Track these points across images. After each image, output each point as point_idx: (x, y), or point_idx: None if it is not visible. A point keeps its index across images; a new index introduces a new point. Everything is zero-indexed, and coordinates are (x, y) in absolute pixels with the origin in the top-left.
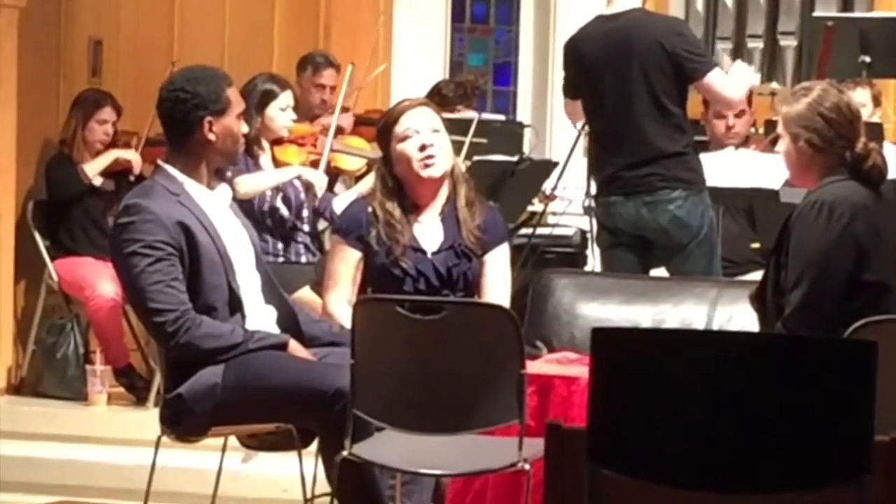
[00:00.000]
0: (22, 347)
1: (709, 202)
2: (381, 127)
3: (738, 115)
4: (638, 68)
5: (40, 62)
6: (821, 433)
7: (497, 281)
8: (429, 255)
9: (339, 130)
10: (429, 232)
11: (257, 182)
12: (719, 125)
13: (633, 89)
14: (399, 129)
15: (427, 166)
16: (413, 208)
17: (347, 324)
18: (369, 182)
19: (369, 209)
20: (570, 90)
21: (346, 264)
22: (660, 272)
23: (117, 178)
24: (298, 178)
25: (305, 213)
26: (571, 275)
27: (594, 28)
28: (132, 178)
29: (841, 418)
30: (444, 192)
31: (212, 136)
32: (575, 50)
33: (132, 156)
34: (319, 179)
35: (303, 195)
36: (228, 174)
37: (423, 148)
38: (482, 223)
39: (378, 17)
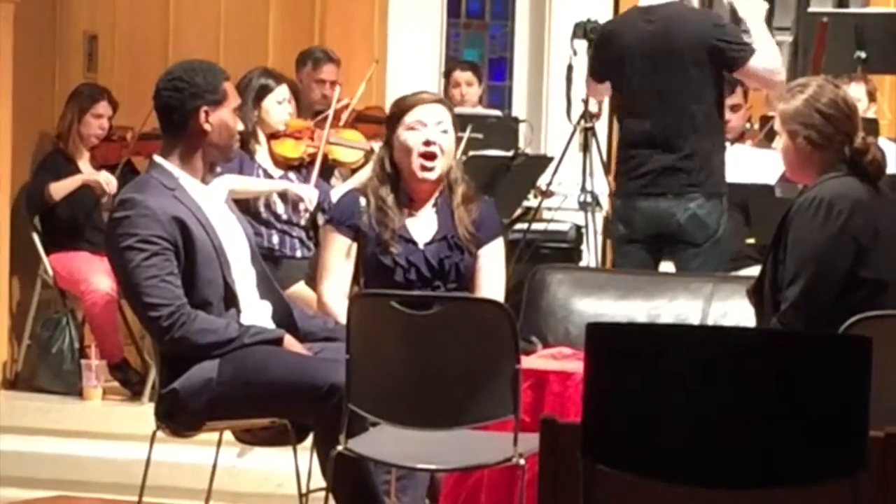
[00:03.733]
0: (17, 342)
1: (726, 206)
2: (393, 111)
3: (734, 109)
4: (677, 63)
5: (35, 57)
6: (816, 428)
7: (491, 276)
8: (420, 245)
9: (336, 123)
10: (421, 223)
11: (240, 184)
12: None
13: (670, 84)
14: (409, 118)
15: (425, 168)
16: (407, 198)
17: (342, 314)
18: (366, 173)
19: (361, 198)
20: (598, 73)
21: (339, 253)
22: (666, 265)
23: (111, 171)
24: (285, 192)
25: (302, 207)
26: (566, 270)
27: (632, 21)
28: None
29: (836, 414)
30: (438, 185)
31: (207, 127)
32: (611, 40)
33: (103, 177)
34: (309, 193)
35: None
36: (218, 170)
37: (427, 143)
38: (477, 218)
39: (373, 13)
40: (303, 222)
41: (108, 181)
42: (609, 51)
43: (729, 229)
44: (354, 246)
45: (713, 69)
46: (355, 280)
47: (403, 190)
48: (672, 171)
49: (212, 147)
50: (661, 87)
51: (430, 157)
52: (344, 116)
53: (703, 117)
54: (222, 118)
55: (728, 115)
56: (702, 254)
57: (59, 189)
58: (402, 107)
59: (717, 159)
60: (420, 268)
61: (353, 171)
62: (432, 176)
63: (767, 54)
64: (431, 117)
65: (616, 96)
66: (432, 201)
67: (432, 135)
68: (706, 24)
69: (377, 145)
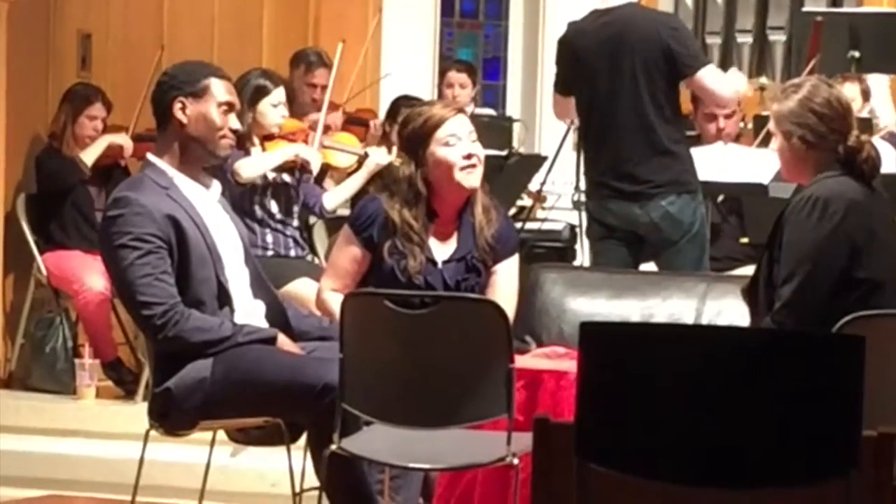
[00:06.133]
0: (11, 341)
1: (701, 199)
2: (417, 129)
3: (728, 116)
4: (632, 63)
5: (29, 56)
6: (809, 428)
7: (505, 291)
8: (439, 264)
9: (328, 128)
10: (442, 239)
11: (258, 164)
12: (710, 128)
13: (627, 85)
14: (442, 133)
15: (470, 175)
16: (432, 215)
17: (338, 309)
18: (360, 179)
19: (385, 207)
20: (561, 86)
21: (350, 258)
22: (649, 267)
23: (107, 171)
24: (296, 156)
25: (295, 207)
26: (560, 269)
27: (589, 23)
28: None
29: (829, 413)
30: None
31: (182, 118)
32: (569, 45)
33: (124, 140)
34: (315, 158)
35: (293, 190)
36: (229, 162)
37: (469, 157)
38: (496, 232)
39: (367, 11)
40: (296, 222)
41: (129, 147)
42: (569, 56)
43: (706, 223)
44: (367, 258)
45: (667, 69)
46: (363, 285)
47: (431, 206)
48: (634, 175)
49: (191, 141)
50: (616, 88)
51: (473, 167)
52: (329, 116)
53: (658, 117)
54: (200, 111)
55: (723, 122)
56: (680, 250)
57: (88, 155)
58: (431, 123)
59: (680, 156)
60: (437, 288)
61: (348, 174)
62: (477, 183)
63: (725, 79)
64: (462, 129)
65: (577, 100)
66: (455, 216)
67: (469, 147)
68: (661, 26)
69: (373, 150)
